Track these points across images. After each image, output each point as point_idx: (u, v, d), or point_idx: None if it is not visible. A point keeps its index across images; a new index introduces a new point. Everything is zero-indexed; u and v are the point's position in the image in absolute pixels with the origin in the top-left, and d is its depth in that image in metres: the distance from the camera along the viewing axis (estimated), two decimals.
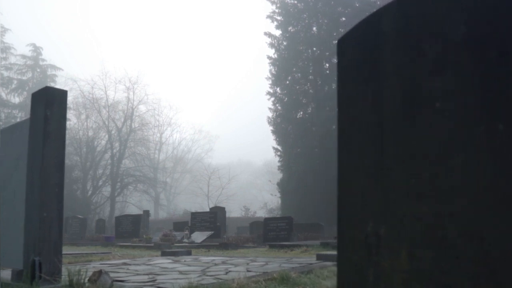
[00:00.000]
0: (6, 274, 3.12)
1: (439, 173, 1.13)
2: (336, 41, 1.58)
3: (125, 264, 4.83)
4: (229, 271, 3.87)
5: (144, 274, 3.71)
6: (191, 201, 39.09)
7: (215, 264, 4.54)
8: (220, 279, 3.30)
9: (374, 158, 1.34)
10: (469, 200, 1.05)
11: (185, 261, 5.00)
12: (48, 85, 33.10)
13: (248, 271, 3.83)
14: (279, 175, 26.35)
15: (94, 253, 7.19)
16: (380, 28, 1.37)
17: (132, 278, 3.47)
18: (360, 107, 1.43)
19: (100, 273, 2.39)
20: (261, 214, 29.11)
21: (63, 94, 2.92)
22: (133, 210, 30.63)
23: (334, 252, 5.03)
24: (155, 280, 3.34)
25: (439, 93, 1.16)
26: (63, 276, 2.75)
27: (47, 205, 2.72)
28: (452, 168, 1.10)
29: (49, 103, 2.83)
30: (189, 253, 6.07)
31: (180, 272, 3.83)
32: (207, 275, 3.57)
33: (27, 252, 2.72)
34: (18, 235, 2.91)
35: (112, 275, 3.53)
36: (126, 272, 3.88)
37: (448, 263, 1.08)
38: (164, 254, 5.99)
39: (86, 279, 2.39)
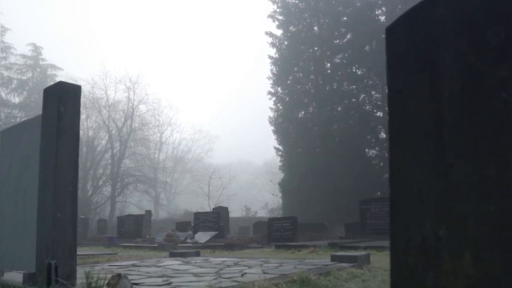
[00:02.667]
0: (17, 277, 3.00)
1: (508, 169, 1.02)
2: (385, 30, 1.48)
3: (134, 265, 4.72)
4: (245, 273, 3.76)
5: (157, 277, 3.60)
6: (191, 201, 39.00)
7: (228, 266, 4.43)
8: (238, 281, 3.19)
9: (433, 153, 1.23)
10: None
11: (195, 262, 4.89)
12: (48, 85, 33.08)
13: (264, 272, 3.72)
14: (279, 175, 26.28)
15: (100, 253, 7.07)
16: (436, 13, 1.26)
17: (146, 281, 3.36)
18: (415, 99, 1.33)
19: (119, 277, 2.29)
20: (262, 214, 29.03)
21: (77, 89, 2.80)
22: (133, 210, 30.52)
23: (349, 253, 4.93)
24: (171, 283, 3.23)
25: (505, 82, 1.05)
26: (80, 280, 2.64)
27: (61, 206, 2.61)
28: None
29: (63, 98, 2.72)
30: (197, 254, 5.96)
31: (194, 274, 3.72)
32: (223, 278, 3.46)
33: (40, 255, 2.61)
34: (29, 236, 2.80)
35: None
36: (138, 274, 3.77)
37: None
38: (172, 255, 5.88)
39: (105, 281, 2.28)
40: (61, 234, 2.57)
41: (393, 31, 1.45)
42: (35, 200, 2.77)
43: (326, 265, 4.21)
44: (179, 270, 4.13)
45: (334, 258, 4.49)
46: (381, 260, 5.48)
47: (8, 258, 3.05)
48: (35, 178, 2.82)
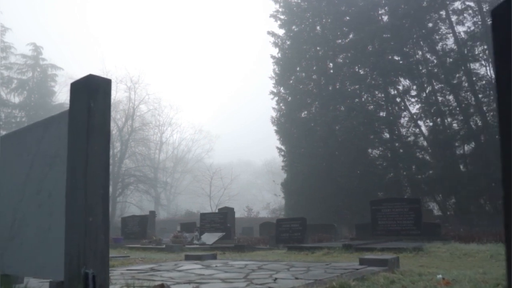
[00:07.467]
0: (43, 286, 2.81)
1: None
2: (490, 12, 1.30)
3: (152, 269, 4.52)
4: (276, 278, 3.57)
5: (184, 283, 3.41)
6: (191, 201, 38.82)
7: (253, 270, 4.24)
8: None
9: None
10: None
11: (216, 266, 4.70)
12: (49, 84, 32.57)
13: (295, 278, 3.54)
14: (280, 175, 26.09)
15: (112, 256, 6.86)
16: None
17: (175, 287, 3.17)
18: None
19: (161, 287, 2.10)
20: (264, 214, 28.85)
21: (107, 83, 2.61)
22: (134, 210, 30.29)
23: (378, 256, 4.74)
24: None
25: None
26: (116, 287, 2.46)
27: (93, 209, 2.42)
28: None
29: (93, 93, 2.53)
30: (214, 257, 5.77)
31: (222, 280, 3.53)
32: (255, 284, 3.27)
33: (70, 263, 2.42)
34: (55, 242, 2.61)
35: (147, 283, 3.23)
36: (162, 280, 3.57)
37: None
38: (188, 258, 5.69)
39: None
40: (92, 240, 2.39)
41: (500, 12, 1.27)
42: (62, 203, 2.58)
43: (357, 269, 4.03)
44: (204, 275, 3.93)
45: (363, 262, 4.31)
46: (406, 263, 5.30)
47: (30, 265, 2.86)
48: (62, 179, 2.63)
